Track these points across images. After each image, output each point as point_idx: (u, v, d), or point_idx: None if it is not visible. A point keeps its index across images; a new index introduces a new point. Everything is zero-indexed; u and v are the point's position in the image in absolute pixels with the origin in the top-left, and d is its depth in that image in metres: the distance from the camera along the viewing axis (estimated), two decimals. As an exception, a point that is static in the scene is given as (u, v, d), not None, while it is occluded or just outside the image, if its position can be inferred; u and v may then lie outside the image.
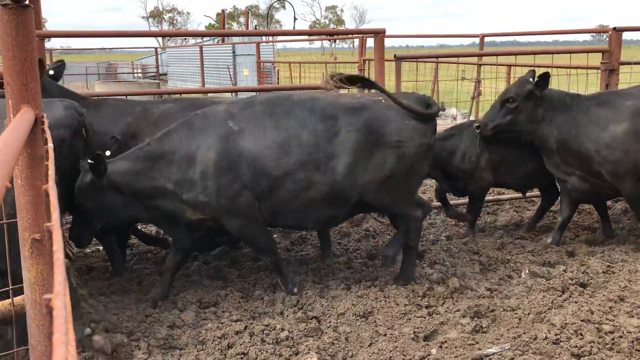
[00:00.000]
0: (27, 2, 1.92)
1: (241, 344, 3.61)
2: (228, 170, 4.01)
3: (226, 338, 3.70)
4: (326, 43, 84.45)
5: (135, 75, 30.34)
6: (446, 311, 4.06)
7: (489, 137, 5.36)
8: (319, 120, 4.08)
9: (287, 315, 4.03)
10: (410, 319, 3.96)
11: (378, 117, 4.15)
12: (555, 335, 3.62)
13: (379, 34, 6.02)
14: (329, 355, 3.55)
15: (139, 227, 5.62)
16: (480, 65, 10.34)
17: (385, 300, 4.21)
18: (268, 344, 3.64)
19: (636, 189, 4.97)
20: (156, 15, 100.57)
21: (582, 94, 5.68)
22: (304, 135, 4.04)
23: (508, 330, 3.77)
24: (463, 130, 5.68)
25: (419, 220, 4.51)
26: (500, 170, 5.59)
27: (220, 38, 24.22)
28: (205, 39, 26.69)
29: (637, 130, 4.87)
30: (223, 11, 30.31)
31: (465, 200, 6.87)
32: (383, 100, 4.27)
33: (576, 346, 3.50)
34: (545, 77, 5.18)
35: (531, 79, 5.24)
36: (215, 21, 70.15)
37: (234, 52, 21.73)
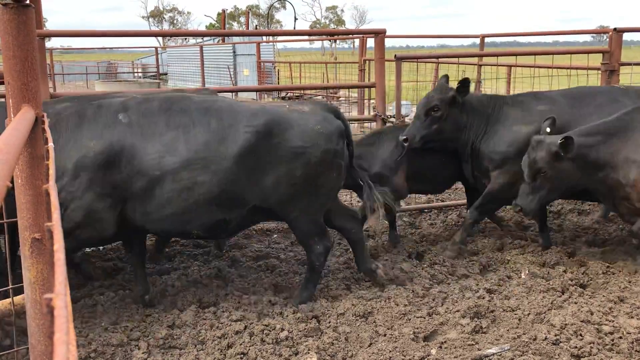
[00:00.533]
0: (27, 2, 1.92)
1: (241, 344, 3.61)
2: (104, 164, 3.70)
3: (226, 338, 3.70)
4: (326, 43, 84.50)
5: (136, 74, 30.35)
6: (446, 311, 4.06)
7: (416, 149, 5.16)
8: (214, 119, 3.87)
9: (287, 315, 4.03)
10: (410, 319, 3.96)
11: (279, 121, 3.95)
12: (555, 335, 3.62)
13: (379, 34, 6.02)
14: (329, 355, 3.55)
15: None
16: (480, 65, 10.35)
17: (385, 301, 4.22)
18: (268, 343, 3.64)
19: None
20: (156, 14, 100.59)
21: (503, 94, 5.68)
22: (193, 133, 3.82)
23: (508, 330, 3.77)
24: (382, 136, 5.44)
25: (322, 256, 4.27)
26: (422, 178, 5.40)
27: (220, 38, 24.22)
28: (205, 38, 26.69)
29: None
30: (224, 11, 30.32)
31: (463, 201, 6.77)
32: (287, 106, 4.15)
33: (576, 347, 3.50)
34: (465, 82, 5.10)
35: (449, 85, 5.17)
36: (216, 21, 70.19)
37: (234, 52, 21.74)
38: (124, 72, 31.07)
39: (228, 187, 3.86)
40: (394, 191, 5.24)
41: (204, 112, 3.91)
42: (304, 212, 4.14)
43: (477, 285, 4.51)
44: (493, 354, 3.48)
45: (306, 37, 27.24)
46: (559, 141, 4.24)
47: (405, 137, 5.11)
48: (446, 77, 5.38)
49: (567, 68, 8.00)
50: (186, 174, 3.77)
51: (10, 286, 2.69)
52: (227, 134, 3.85)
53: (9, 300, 2.80)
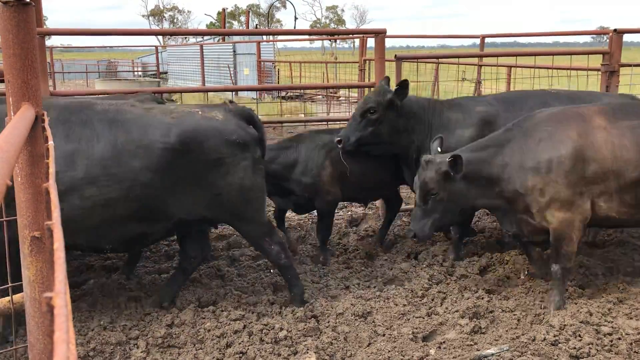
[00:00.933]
0: (28, 0, 1.92)
1: (240, 343, 3.61)
2: None
3: (225, 337, 3.70)
4: (327, 43, 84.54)
5: (136, 73, 30.34)
6: (445, 312, 4.06)
7: (351, 152, 4.99)
8: (121, 133, 3.70)
9: (286, 315, 4.03)
10: (409, 320, 3.96)
11: (194, 135, 3.82)
12: (554, 336, 3.62)
13: (379, 34, 6.02)
14: (328, 355, 3.55)
15: None
16: (480, 66, 10.35)
17: (384, 301, 4.22)
18: (267, 343, 3.63)
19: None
20: (157, 13, 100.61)
21: (440, 99, 5.54)
22: (98, 148, 3.62)
23: (507, 331, 3.78)
24: (301, 141, 5.20)
25: (282, 253, 4.17)
26: (347, 184, 5.14)
27: (220, 37, 24.21)
28: (205, 37, 26.68)
29: (480, 136, 4.60)
30: (224, 10, 30.31)
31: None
32: (199, 112, 3.97)
33: (575, 348, 3.50)
34: (404, 85, 4.94)
35: (387, 86, 5.01)
36: (216, 20, 70.18)
37: (234, 51, 21.72)
38: (124, 71, 31.06)
39: (148, 202, 3.75)
40: (325, 196, 5.07)
41: (108, 124, 3.71)
42: (242, 219, 4.11)
43: (476, 285, 4.51)
44: (492, 355, 3.48)
45: (306, 37, 27.25)
46: (447, 160, 4.00)
47: (339, 138, 4.96)
48: (387, 79, 5.21)
49: (567, 69, 8.00)
50: (95, 190, 3.61)
51: (10, 284, 2.69)
52: (139, 150, 3.69)
53: (7, 298, 2.80)
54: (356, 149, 4.98)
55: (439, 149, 4.36)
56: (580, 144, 3.96)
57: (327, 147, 5.09)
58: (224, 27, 33.35)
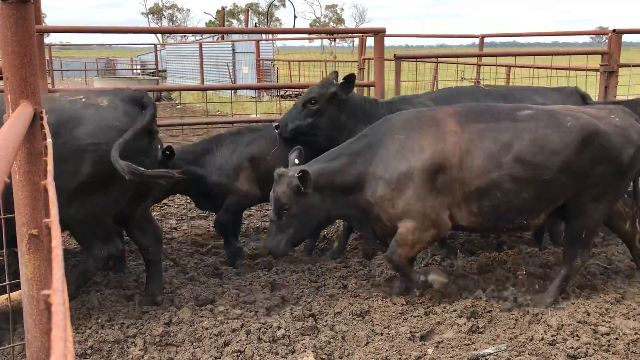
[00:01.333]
0: (27, -3, 1.92)
1: (237, 342, 3.61)
2: None
3: (222, 335, 3.70)
4: (326, 42, 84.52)
5: (134, 71, 30.31)
6: (443, 311, 4.06)
7: (287, 139, 4.89)
8: None
9: (284, 314, 4.03)
10: (406, 319, 3.96)
11: (68, 120, 3.58)
12: (552, 336, 3.63)
13: (379, 33, 6.02)
14: (326, 354, 3.55)
15: None
16: (479, 65, 10.36)
17: (382, 300, 4.22)
18: (264, 342, 3.63)
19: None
20: (156, 11, 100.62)
21: (380, 99, 5.42)
22: None
23: (504, 331, 3.78)
24: (219, 142, 5.08)
25: (100, 261, 3.92)
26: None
27: (219, 35, 24.18)
28: (204, 36, 26.65)
29: None
30: (223, 8, 30.23)
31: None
32: (83, 99, 3.74)
33: (572, 347, 3.51)
34: (350, 79, 4.86)
35: (335, 81, 4.93)
36: (215, 18, 70.20)
37: (233, 50, 21.70)
38: (123, 69, 31.03)
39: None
40: (241, 197, 4.96)
41: None
42: (88, 212, 3.78)
43: (475, 285, 4.51)
44: (490, 354, 3.49)
45: (305, 36, 27.26)
46: (296, 175, 3.86)
47: (277, 124, 4.90)
48: (335, 73, 5.10)
49: (566, 69, 8.01)
50: None
51: (8, 282, 2.69)
52: None
53: (5, 296, 2.80)
54: (293, 137, 4.88)
55: (297, 161, 4.23)
56: (431, 153, 3.87)
57: (245, 150, 4.98)
58: (223, 26, 33.30)
